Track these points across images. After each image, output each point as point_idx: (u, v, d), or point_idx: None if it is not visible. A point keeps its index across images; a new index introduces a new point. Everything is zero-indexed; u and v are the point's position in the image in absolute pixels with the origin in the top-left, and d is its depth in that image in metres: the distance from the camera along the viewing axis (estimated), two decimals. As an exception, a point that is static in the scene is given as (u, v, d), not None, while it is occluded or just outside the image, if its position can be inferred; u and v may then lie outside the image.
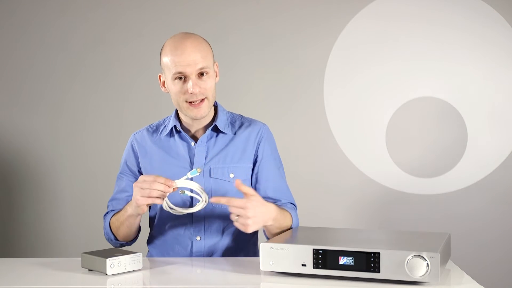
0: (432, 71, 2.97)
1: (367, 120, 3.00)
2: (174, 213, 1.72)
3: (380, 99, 2.99)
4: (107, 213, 1.93)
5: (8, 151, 3.04)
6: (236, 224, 1.61)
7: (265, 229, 1.76)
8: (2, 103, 3.04)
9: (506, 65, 2.96)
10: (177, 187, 1.65)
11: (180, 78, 1.78)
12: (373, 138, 3.00)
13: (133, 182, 1.91)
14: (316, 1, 2.99)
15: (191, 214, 1.82)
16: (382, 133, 2.99)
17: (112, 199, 1.94)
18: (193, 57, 1.77)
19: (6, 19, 3.03)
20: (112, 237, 1.88)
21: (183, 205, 1.81)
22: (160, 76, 1.88)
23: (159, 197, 1.64)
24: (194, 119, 1.84)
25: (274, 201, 1.90)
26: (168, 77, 1.81)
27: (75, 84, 3.03)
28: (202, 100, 1.80)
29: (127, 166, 1.94)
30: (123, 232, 1.84)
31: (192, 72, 1.77)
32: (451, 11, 2.96)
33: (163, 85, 1.87)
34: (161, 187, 1.62)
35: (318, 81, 3.00)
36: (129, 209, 1.75)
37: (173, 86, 1.80)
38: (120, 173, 1.95)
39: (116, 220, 1.84)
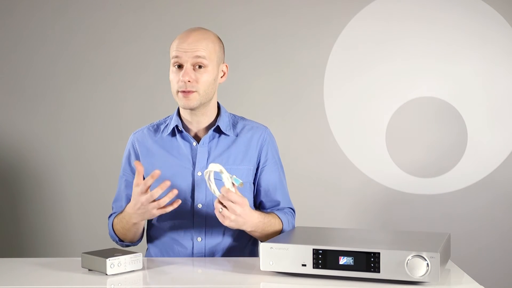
0: (432, 71, 2.97)
1: (367, 120, 3.00)
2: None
3: (380, 99, 2.99)
4: (111, 215, 1.93)
5: (8, 151, 3.04)
6: (217, 213, 1.63)
7: (249, 233, 1.79)
8: (2, 104, 3.04)
9: (506, 65, 2.95)
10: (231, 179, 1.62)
11: (179, 66, 1.78)
12: (373, 138, 3.00)
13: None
14: (316, 1, 2.99)
15: (192, 215, 1.83)
16: (382, 133, 2.99)
17: (115, 200, 1.94)
18: (193, 46, 1.75)
19: (6, 19, 3.03)
20: (117, 239, 1.90)
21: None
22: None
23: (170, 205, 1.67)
24: (183, 109, 1.83)
25: (273, 205, 1.92)
26: (170, 65, 1.81)
27: (76, 84, 3.03)
28: (192, 91, 1.77)
29: (129, 166, 1.93)
30: (130, 237, 1.86)
31: (187, 59, 1.75)
32: (451, 11, 2.96)
33: None
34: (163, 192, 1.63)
35: (318, 81, 3.00)
36: (134, 219, 1.74)
37: (170, 74, 1.80)
38: (122, 173, 1.94)
39: (121, 228, 1.84)
